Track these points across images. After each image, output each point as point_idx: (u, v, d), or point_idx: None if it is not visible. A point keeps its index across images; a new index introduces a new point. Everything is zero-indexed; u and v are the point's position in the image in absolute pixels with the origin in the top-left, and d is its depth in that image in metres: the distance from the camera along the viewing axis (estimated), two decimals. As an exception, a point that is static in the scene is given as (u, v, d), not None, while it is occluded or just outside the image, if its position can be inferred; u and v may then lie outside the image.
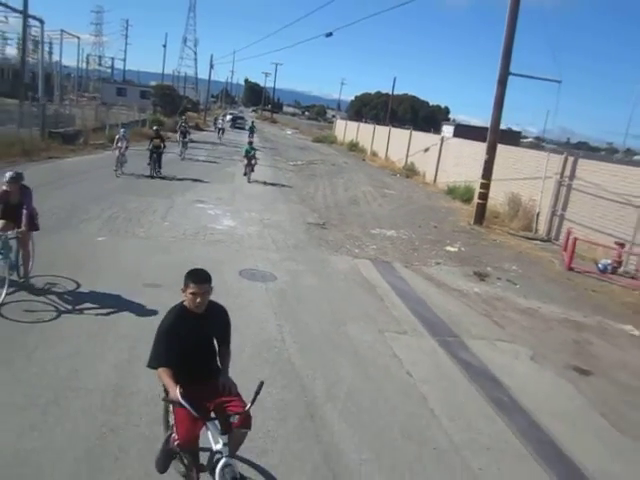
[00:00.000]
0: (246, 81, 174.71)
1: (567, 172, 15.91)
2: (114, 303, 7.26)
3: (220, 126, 41.16)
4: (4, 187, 6.93)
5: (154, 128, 21.09)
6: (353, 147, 44.33)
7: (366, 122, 57.28)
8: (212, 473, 3.68)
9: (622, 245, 12.39)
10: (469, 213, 17.97)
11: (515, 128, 69.87)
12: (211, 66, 66.43)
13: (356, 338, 7.36)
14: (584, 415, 6.15)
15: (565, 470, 5.01)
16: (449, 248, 13.36)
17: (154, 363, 3.74)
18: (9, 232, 6.93)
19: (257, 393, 3.64)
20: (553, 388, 6.75)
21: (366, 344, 7.22)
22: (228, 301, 5.45)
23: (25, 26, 29.18)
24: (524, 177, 17.97)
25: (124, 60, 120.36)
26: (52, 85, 51.97)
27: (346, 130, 51.49)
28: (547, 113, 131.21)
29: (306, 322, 7.66)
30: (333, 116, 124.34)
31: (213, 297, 3.99)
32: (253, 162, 20.53)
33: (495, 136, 16.23)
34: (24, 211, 6.91)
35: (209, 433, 3.72)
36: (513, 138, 47.13)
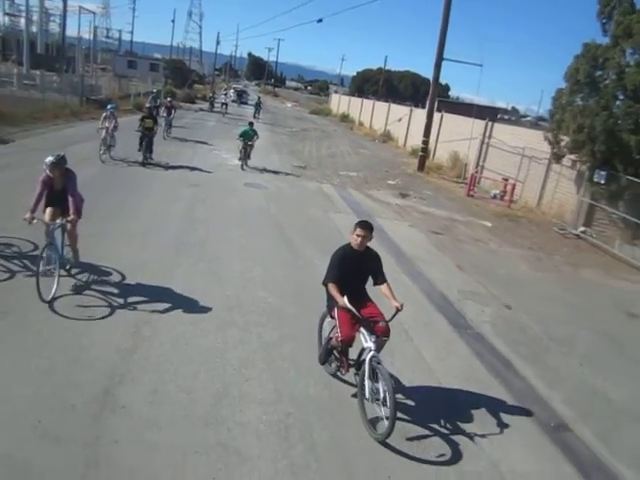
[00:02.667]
0: (250, 55, 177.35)
1: (487, 134, 21.54)
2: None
3: (224, 101, 40.15)
4: (47, 172, 6.26)
5: (146, 106, 18.63)
6: (344, 118, 49.76)
7: (367, 98, 60.55)
8: (360, 366, 4.95)
9: (506, 180, 18.12)
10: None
11: (518, 107, 75.16)
12: (217, 42, 71.22)
13: (311, 213, 13.10)
14: (430, 250, 11.85)
15: (420, 278, 10.51)
16: (390, 182, 19.14)
17: (328, 280, 5.00)
18: (57, 221, 6.35)
19: (394, 315, 4.89)
20: (416, 237, 12.51)
21: (317, 215, 12.97)
22: (240, 195, 11.25)
23: (65, 6, 34.40)
24: (461, 139, 23.57)
25: (131, 32, 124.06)
26: (73, 57, 56.94)
27: (339, 103, 56.93)
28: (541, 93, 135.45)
29: (283, 205, 13.43)
30: (335, 91, 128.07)
31: (235, 198, 9.68)
32: (249, 148, 17.54)
33: (432, 107, 21.90)
34: (70, 197, 6.30)
35: (361, 335, 4.91)
36: (492, 114, 52.34)
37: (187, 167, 16.32)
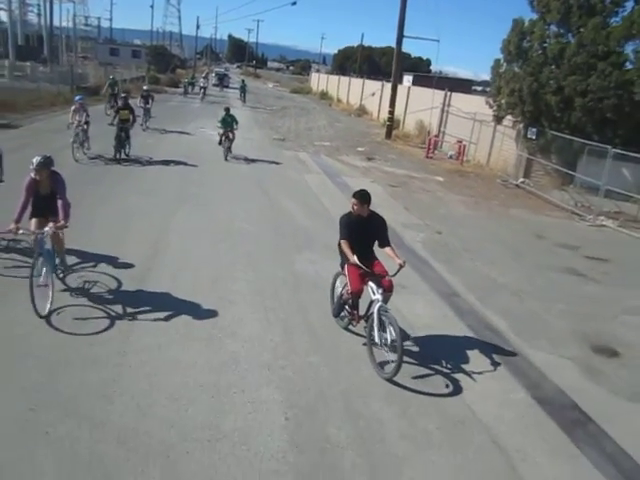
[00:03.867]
0: (230, 37, 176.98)
1: (447, 103, 23.91)
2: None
3: (202, 84, 38.56)
4: (32, 175, 5.81)
5: (122, 95, 16.69)
6: (323, 96, 51.87)
7: (348, 75, 62.18)
8: (368, 318, 5.68)
9: (460, 142, 20.57)
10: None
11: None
12: (197, 26, 72.55)
13: (287, 175, 15.46)
14: (385, 198, 14.28)
15: None
16: (359, 149, 21.54)
17: (342, 237, 5.80)
18: (46, 229, 5.76)
19: (397, 271, 5.56)
20: (375, 189, 14.85)
21: (292, 176, 15.33)
22: (226, 167, 13.60)
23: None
24: (425, 109, 25.91)
25: (110, 20, 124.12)
26: (56, 47, 58.20)
27: (319, 82, 58.97)
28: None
29: (263, 169, 15.80)
30: (317, 70, 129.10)
31: (221, 172, 11.98)
32: (231, 136, 16.56)
33: (396, 80, 24.28)
34: (59, 202, 5.84)
35: (369, 289, 5.63)
36: (463, 85, 54.52)
37: (169, 160, 15.17)
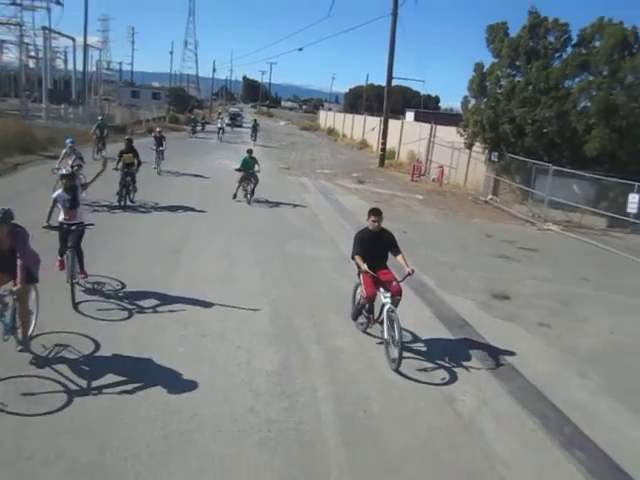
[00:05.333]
0: (244, 78, 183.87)
1: (433, 134, 27.15)
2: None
3: (220, 125, 39.01)
4: None
5: (126, 138, 15.36)
6: (330, 132, 55.67)
7: (359, 113, 65.01)
8: (382, 321, 6.59)
9: (441, 167, 23.70)
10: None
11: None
12: (214, 70, 77.60)
13: (289, 195, 18.53)
14: (366, 210, 17.34)
15: (352, 222, 16.13)
16: (354, 174, 24.77)
17: (353, 254, 6.73)
18: (1, 291, 5.27)
19: (404, 277, 6.60)
20: (361, 204, 17.93)
21: (292, 195, 18.44)
22: (246, 208, 16.88)
23: (86, 50, 40.40)
24: (416, 140, 29.19)
25: (131, 64, 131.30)
26: (82, 90, 63.07)
27: (326, 119, 63.08)
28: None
29: (270, 191, 18.95)
30: (329, 109, 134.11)
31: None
32: (253, 182, 15.90)
33: (387, 115, 27.67)
34: (18, 261, 5.18)
35: (380, 294, 6.51)
36: (454, 120, 58.22)
37: (178, 206, 14.12)
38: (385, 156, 28.45)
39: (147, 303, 7.50)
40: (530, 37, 18.45)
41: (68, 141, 13.58)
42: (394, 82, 29.92)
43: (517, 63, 18.46)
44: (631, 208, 14.72)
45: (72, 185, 7.39)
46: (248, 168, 15.92)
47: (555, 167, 16.81)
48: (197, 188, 17.65)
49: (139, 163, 14.18)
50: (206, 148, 31.12)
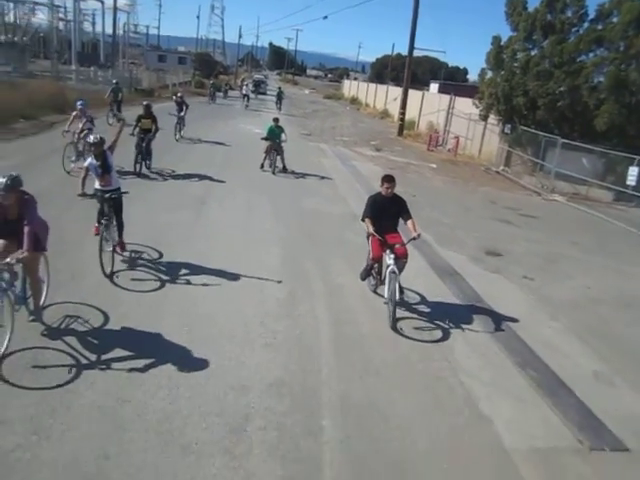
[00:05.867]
0: (270, 45, 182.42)
1: (452, 105, 27.66)
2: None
3: (244, 92, 38.15)
4: None
5: (144, 104, 14.24)
6: (354, 101, 56.01)
7: (385, 83, 64.65)
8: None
9: (457, 138, 24.33)
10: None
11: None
12: (240, 36, 77.77)
13: (308, 158, 19.51)
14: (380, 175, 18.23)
15: (365, 185, 17.06)
16: (372, 142, 25.54)
17: (364, 216, 7.08)
18: (7, 259, 4.92)
19: (410, 240, 6.97)
20: (375, 170, 18.81)
21: (312, 159, 19.39)
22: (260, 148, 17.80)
23: (115, 11, 41.25)
24: (435, 111, 29.71)
25: (158, 28, 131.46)
26: (112, 53, 64.03)
27: (350, 88, 63.31)
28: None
29: (290, 155, 19.89)
30: (355, 78, 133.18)
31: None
32: (278, 151, 15.73)
33: (407, 85, 28.11)
34: (25, 228, 5.04)
35: (386, 256, 6.83)
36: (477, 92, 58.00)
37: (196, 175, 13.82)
38: (404, 126, 29.08)
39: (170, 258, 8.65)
40: (548, 11, 18.85)
41: (79, 103, 13.02)
42: (418, 53, 30.42)
43: (534, 37, 18.94)
44: (630, 180, 15.37)
45: (101, 151, 7.27)
46: (274, 137, 15.58)
47: (563, 140, 17.44)
48: (219, 154, 18.46)
49: (157, 129, 13.65)
50: (229, 114, 32.03)
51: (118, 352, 5.37)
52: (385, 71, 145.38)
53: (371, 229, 6.87)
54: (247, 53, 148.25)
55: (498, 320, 7.45)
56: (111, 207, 7.38)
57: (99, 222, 7.33)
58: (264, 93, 51.77)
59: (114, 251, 7.36)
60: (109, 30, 66.36)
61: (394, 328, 6.60)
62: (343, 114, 42.65)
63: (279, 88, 39.97)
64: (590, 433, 5.19)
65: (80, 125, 12.54)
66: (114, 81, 24.55)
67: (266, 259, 8.54)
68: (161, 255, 8.07)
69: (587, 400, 5.74)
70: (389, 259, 6.81)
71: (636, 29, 17.05)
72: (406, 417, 5.04)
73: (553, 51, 17.98)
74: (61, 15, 71.87)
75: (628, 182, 15.53)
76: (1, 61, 42.72)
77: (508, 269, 9.79)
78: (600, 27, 17.85)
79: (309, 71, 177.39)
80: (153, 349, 5.50)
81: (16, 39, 47.59)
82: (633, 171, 15.22)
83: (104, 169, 7.36)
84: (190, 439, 4.33)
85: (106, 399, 4.66)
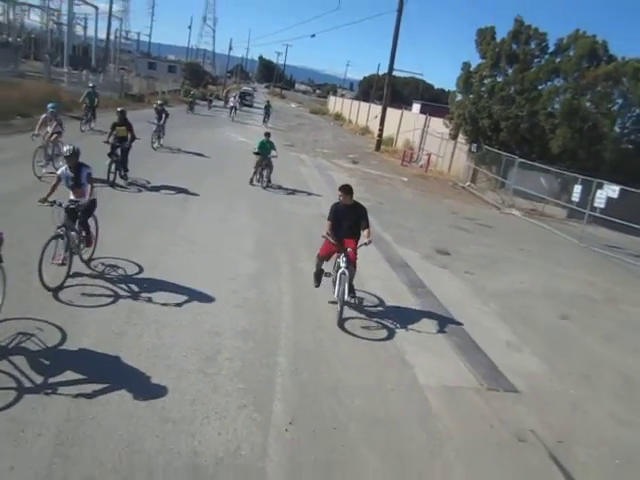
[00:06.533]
0: (260, 58, 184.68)
1: (428, 125, 29.36)
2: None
3: (232, 104, 37.90)
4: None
5: (118, 110, 13.56)
6: (338, 117, 57.77)
7: (372, 102, 65.93)
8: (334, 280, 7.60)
9: (429, 155, 25.97)
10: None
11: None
12: (230, 48, 79.38)
13: (287, 168, 20.85)
14: (355, 186, 19.66)
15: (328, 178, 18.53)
16: (350, 156, 27.05)
17: (327, 219, 7.64)
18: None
19: (360, 245, 7.59)
20: (350, 181, 20.20)
21: (292, 168, 20.77)
22: (248, 160, 19.14)
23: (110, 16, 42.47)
24: (412, 129, 31.40)
25: (149, 36, 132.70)
26: (104, 58, 65.12)
27: (335, 104, 65.25)
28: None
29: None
30: (342, 95, 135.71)
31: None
32: (268, 168, 15.73)
33: (386, 104, 29.77)
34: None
35: (340, 259, 7.40)
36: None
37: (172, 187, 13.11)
38: (381, 142, 30.73)
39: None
40: (514, 42, 20.62)
41: (49, 106, 12.58)
42: (405, 74, 32.11)
43: (500, 65, 20.66)
44: (574, 197, 17.00)
45: (75, 163, 7.04)
46: (265, 152, 15.55)
47: (520, 160, 19.09)
48: (199, 163, 18.97)
49: (133, 137, 13.02)
50: (215, 124, 33.37)
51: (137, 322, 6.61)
52: (372, 89, 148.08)
53: (325, 231, 7.62)
54: (237, 65, 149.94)
55: (435, 302, 8.84)
56: (76, 218, 7.09)
57: (61, 233, 6.74)
58: (250, 105, 51.56)
59: (63, 264, 6.81)
60: (100, 35, 67.47)
61: (341, 326, 7.15)
62: (326, 129, 44.29)
63: (267, 102, 39.71)
64: (490, 380, 6.57)
65: (49, 129, 12.25)
66: (90, 84, 23.44)
67: (241, 245, 9.85)
68: (141, 269, 7.80)
69: (495, 359, 7.12)
70: (342, 262, 7.33)
71: (588, 62, 18.87)
72: (345, 360, 6.36)
73: (516, 79, 19.72)
74: (54, 18, 72.87)
75: (573, 198, 17.15)
76: (-7, 60, 43.68)
77: (454, 265, 11.21)
78: (558, 59, 19.63)
79: (297, 86, 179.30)
80: (151, 289, 6.76)
81: (10, 39, 48.35)
82: (577, 189, 16.85)
83: (76, 182, 7.09)
84: (173, 362, 5.60)
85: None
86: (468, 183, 22.90)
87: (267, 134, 16.34)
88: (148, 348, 5.77)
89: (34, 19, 69.61)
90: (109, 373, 5.19)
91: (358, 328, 7.29)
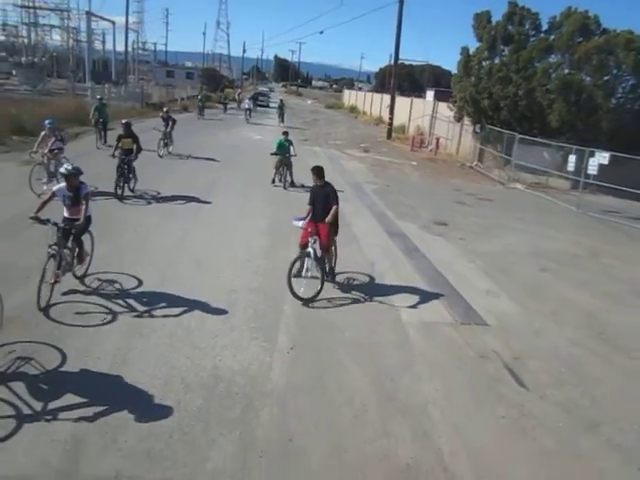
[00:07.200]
0: (276, 57, 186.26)
1: (436, 110, 30.33)
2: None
3: (247, 106, 37.36)
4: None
5: (123, 122, 13.46)
6: (352, 110, 58.83)
7: (388, 93, 65.27)
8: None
9: (437, 139, 26.97)
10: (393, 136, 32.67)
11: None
12: (244, 51, 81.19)
13: (300, 159, 22.20)
14: (364, 171, 20.88)
15: (349, 179, 19.78)
16: (362, 145, 28.24)
17: (308, 204, 8.19)
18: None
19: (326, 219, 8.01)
20: (359, 167, 21.50)
21: (304, 160, 22.07)
22: (267, 145, 20.53)
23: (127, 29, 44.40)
24: (422, 115, 32.39)
25: (165, 45, 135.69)
26: (123, 70, 67.53)
27: (350, 97, 66.30)
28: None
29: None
30: (359, 88, 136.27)
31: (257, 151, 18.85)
32: (288, 167, 15.88)
33: (394, 93, 30.87)
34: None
35: (311, 240, 7.76)
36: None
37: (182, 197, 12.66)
38: (392, 130, 31.80)
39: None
40: (509, 24, 21.52)
41: (47, 122, 12.45)
42: (421, 62, 33.01)
43: (496, 47, 21.58)
44: (570, 167, 17.88)
45: (75, 183, 6.88)
46: (284, 151, 15.56)
47: (520, 136, 20.00)
48: (213, 168, 20.81)
49: (139, 149, 12.89)
50: (228, 126, 34.89)
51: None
52: (388, 80, 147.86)
53: (303, 215, 8.19)
54: (253, 66, 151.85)
55: (426, 262, 10.07)
56: (70, 237, 6.90)
57: (54, 252, 6.64)
58: (267, 106, 50.71)
59: (56, 282, 6.72)
60: (118, 47, 69.77)
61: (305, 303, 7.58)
62: (341, 122, 45.46)
63: (281, 100, 39.11)
64: (465, 317, 7.79)
65: (49, 144, 12.11)
66: (98, 97, 22.94)
67: (257, 224, 11.23)
68: (140, 282, 7.68)
69: (472, 303, 8.33)
70: (312, 244, 7.78)
71: (582, 36, 19.67)
72: (340, 307, 7.66)
73: (512, 59, 20.62)
74: (73, 36, 75.65)
75: (568, 168, 18.04)
76: (22, 80, 46.17)
77: (449, 234, 12.39)
78: (552, 37, 20.47)
79: (315, 82, 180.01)
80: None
81: (36, 60, 50.75)
82: (572, 158, 17.73)
83: (74, 202, 6.93)
84: (196, 313, 7.00)
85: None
86: (475, 162, 23.87)
87: (285, 133, 16.44)
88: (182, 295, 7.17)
89: (55, 39, 72.37)
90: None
91: (352, 285, 8.56)
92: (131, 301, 7.05)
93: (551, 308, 8.55)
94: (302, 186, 15.52)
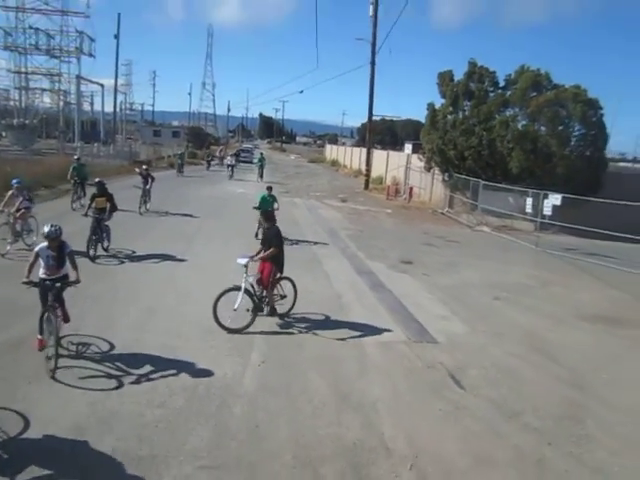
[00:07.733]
0: (260, 115, 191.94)
1: (410, 162, 32.13)
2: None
3: (229, 162, 37.42)
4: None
5: (96, 180, 13.34)
6: (334, 163, 61.14)
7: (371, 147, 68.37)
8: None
9: (411, 188, 28.57)
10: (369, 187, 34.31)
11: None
12: (228, 109, 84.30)
13: (285, 208, 23.49)
14: (340, 219, 22.21)
15: (326, 227, 21.08)
16: (340, 195, 29.74)
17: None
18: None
19: (253, 257, 8.78)
20: (336, 215, 22.81)
21: (284, 209, 23.37)
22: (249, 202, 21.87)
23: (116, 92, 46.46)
24: (397, 167, 34.18)
25: (153, 105, 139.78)
26: (112, 130, 69.72)
27: (331, 152, 69.03)
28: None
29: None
30: (343, 143, 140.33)
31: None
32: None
33: (370, 147, 32.80)
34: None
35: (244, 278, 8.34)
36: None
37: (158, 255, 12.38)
38: (369, 180, 33.53)
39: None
40: (469, 82, 23.49)
41: (14, 182, 12.25)
42: (403, 117, 35.07)
43: (459, 102, 23.48)
44: (528, 208, 19.34)
45: (58, 244, 6.74)
46: (267, 206, 14.71)
47: (484, 182, 21.56)
48: (194, 223, 21.76)
49: (113, 208, 12.61)
50: (211, 182, 36.42)
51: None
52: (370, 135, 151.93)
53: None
54: (238, 124, 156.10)
55: (388, 293, 11.18)
56: (55, 296, 6.65)
57: (42, 330, 6.57)
58: (250, 162, 50.64)
59: (58, 344, 6.45)
60: (107, 108, 72.16)
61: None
62: (322, 175, 47.34)
63: (261, 154, 39.29)
64: (418, 336, 8.84)
65: (16, 204, 11.90)
66: (75, 157, 22.58)
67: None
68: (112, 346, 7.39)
69: (427, 325, 9.39)
70: (245, 278, 8.42)
71: (535, 91, 21.60)
72: (308, 331, 8.67)
73: (473, 112, 22.45)
74: (63, 99, 78.13)
75: (526, 210, 19.51)
76: (13, 141, 47.84)
77: (413, 270, 13.54)
78: (507, 92, 22.42)
79: (299, 138, 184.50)
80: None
81: (27, 122, 52.57)
82: (528, 201, 19.23)
83: (58, 262, 6.81)
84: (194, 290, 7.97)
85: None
86: (446, 209, 25.35)
87: (269, 188, 16.52)
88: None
89: (45, 101, 74.80)
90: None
91: (320, 311, 9.59)
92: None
93: (498, 329, 9.62)
94: (286, 239, 15.42)
